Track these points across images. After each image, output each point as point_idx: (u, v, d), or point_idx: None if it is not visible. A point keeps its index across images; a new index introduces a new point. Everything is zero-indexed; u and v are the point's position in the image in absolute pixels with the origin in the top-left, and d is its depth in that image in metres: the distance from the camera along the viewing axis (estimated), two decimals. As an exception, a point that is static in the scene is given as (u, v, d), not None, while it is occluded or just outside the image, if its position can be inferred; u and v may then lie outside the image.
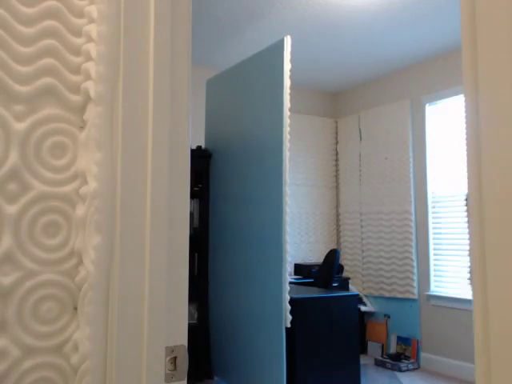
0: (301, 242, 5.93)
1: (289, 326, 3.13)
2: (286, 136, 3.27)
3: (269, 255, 3.22)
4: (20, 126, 1.05)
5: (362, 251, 5.77)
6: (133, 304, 0.97)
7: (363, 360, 5.15)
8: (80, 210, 1.07)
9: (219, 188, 3.90)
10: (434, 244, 4.94)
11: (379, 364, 4.97)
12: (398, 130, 5.36)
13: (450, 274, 4.77)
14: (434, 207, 4.98)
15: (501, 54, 0.60)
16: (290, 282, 4.88)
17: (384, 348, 5.27)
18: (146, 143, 1.01)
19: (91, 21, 1.09)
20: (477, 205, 0.63)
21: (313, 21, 3.93)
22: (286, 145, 3.25)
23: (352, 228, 5.93)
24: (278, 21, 3.94)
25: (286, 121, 3.26)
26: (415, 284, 5.04)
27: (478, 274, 0.62)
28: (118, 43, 1.03)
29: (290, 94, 5.94)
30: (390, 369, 4.84)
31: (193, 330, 3.84)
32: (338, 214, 6.21)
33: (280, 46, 3.29)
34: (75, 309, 1.07)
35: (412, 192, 5.13)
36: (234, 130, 3.74)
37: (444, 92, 4.85)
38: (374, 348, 5.36)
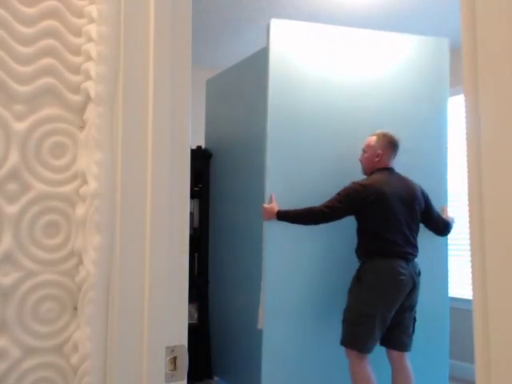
0: (301, 241, 5.92)
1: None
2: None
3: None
4: (20, 126, 1.05)
5: (362, 251, 5.75)
6: (133, 304, 0.97)
7: (363, 360, 5.14)
8: (80, 210, 1.07)
9: (219, 188, 3.90)
10: (434, 244, 4.93)
11: (379, 364, 4.96)
12: (397, 129, 5.35)
13: (450, 274, 4.76)
14: (433, 207, 4.97)
15: (501, 54, 0.60)
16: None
17: (384, 348, 5.26)
18: (146, 143, 1.01)
19: (91, 21, 1.09)
20: (477, 205, 0.63)
21: (313, 20, 3.93)
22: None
23: (352, 228, 5.92)
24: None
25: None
26: (415, 284, 5.03)
27: (477, 274, 0.62)
28: (118, 43, 1.03)
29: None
30: (389, 369, 4.83)
31: (193, 330, 3.84)
32: (337, 214, 6.19)
33: None
34: (75, 309, 1.07)
35: (412, 192, 5.12)
36: (234, 130, 3.73)
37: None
38: (373, 348, 5.35)
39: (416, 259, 2.86)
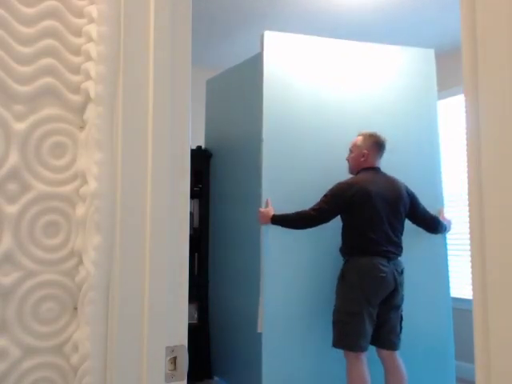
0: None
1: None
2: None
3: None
4: (20, 126, 1.05)
5: (362, 251, 5.75)
6: (133, 304, 0.97)
7: (363, 360, 5.13)
8: (80, 210, 1.07)
9: (219, 188, 3.90)
10: (434, 244, 4.92)
11: (379, 364, 4.95)
12: (397, 130, 5.36)
13: (450, 274, 4.75)
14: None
15: (501, 54, 0.60)
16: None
17: (384, 348, 5.25)
18: (147, 143, 1.01)
19: (91, 21, 1.09)
20: (477, 205, 0.63)
21: (314, 20, 3.93)
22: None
23: (352, 228, 5.91)
24: (279, 20, 3.94)
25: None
26: (415, 284, 5.02)
27: (477, 274, 0.62)
28: (118, 43, 1.03)
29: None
30: (390, 369, 4.82)
31: (193, 330, 3.83)
32: (338, 214, 6.18)
33: None
34: (75, 309, 1.07)
35: (412, 192, 5.12)
36: (233, 130, 3.73)
37: (442, 93, 4.85)
38: (374, 348, 5.35)
39: (399, 258, 2.89)
